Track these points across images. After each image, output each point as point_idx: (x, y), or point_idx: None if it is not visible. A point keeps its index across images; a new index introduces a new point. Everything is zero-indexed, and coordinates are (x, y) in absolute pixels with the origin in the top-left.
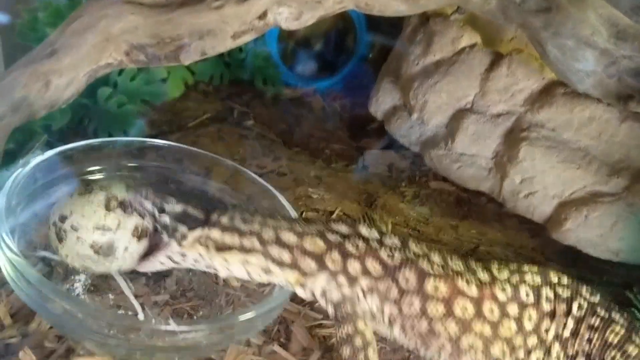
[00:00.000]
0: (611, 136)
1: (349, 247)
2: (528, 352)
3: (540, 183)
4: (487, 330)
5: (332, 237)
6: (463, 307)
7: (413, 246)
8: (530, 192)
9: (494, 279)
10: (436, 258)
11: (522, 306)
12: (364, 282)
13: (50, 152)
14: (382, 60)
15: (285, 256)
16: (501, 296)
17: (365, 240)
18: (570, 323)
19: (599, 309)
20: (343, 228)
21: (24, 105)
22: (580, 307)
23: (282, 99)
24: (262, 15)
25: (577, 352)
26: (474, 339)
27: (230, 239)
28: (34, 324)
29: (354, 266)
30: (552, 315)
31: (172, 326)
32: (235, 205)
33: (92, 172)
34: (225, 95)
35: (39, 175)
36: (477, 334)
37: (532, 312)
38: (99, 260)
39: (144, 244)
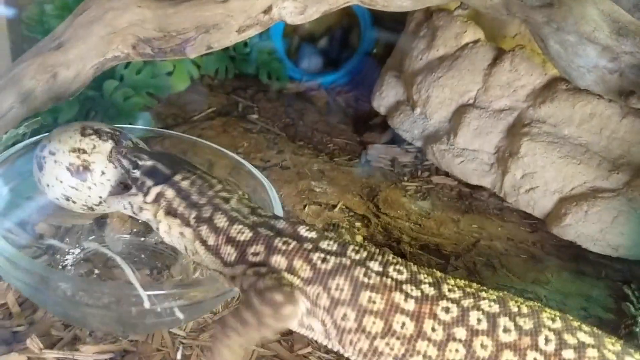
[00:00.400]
0: (612, 132)
1: (278, 242)
2: None
3: (541, 178)
4: (432, 352)
5: (263, 230)
6: (402, 324)
7: (351, 253)
8: (531, 187)
9: (439, 297)
10: (375, 266)
11: (473, 333)
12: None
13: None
14: (386, 55)
15: (211, 239)
16: (444, 316)
17: (300, 240)
18: (540, 358)
19: (567, 337)
20: (281, 224)
21: (32, 96)
22: (547, 340)
23: (286, 93)
24: (267, 10)
25: None
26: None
27: (177, 204)
28: (40, 312)
29: (277, 260)
30: (514, 348)
31: (177, 314)
32: (203, 172)
33: None
34: (230, 89)
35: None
36: (423, 355)
37: (487, 340)
38: (78, 186)
39: (119, 171)
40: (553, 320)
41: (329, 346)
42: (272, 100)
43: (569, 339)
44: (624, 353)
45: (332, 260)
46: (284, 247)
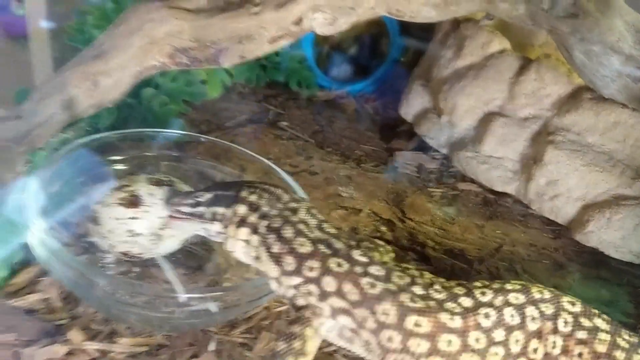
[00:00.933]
0: (636, 140)
1: (332, 263)
2: None
3: (565, 185)
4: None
5: (322, 247)
6: (448, 342)
7: (396, 279)
8: (555, 194)
9: (477, 305)
10: (418, 290)
11: (509, 330)
12: (336, 302)
13: (90, 137)
14: (414, 64)
15: (276, 248)
16: (485, 323)
17: (352, 263)
18: (559, 341)
19: (583, 320)
20: (339, 244)
21: (74, 103)
22: (565, 322)
23: (315, 101)
24: (298, 21)
25: None
26: None
27: (249, 216)
28: (81, 307)
29: (329, 282)
30: (539, 334)
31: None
32: (261, 183)
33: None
34: (261, 96)
35: (77, 161)
36: None
37: (519, 334)
38: (137, 214)
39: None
40: (573, 304)
41: (370, 358)
42: (301, 107)
43: (584, 321)
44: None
45: (380, 285)
46: (336, 269)
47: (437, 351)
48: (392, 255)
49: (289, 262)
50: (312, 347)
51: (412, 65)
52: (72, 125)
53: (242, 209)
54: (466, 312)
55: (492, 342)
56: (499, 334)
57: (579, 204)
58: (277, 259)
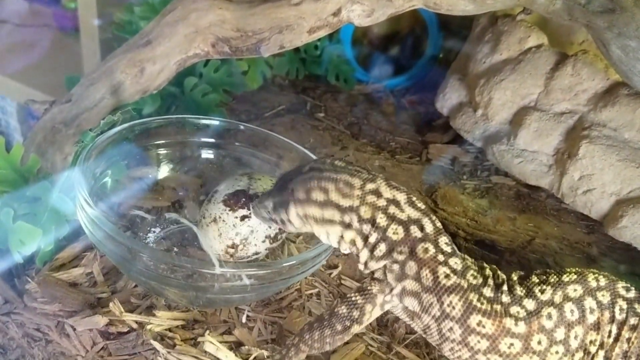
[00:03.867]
0: None
1: (419, 249)
2: None
3: (599, 180)
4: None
5: (414, 231)
6: (510, 345)
7: (470, 277)
8: (589, 188)
9: (539, 306)
10: (488, 292)
11: (569, 326)
12: (409, 285)
13: (134, 122)
14: (452, 60)
15: (373, 238)
16: (548, 324)
17: (437, 250)
18: (614, 329)
19: (637, 306)
20: (430, 227)
21: (121, 89)
22: (621, 309)
23: (353, 94)
24: (337, 12)
25: (617, 355)
26: None
27: (330, 214)
28: (121, 282)
29: (411, 267)
30: (597, 326)
31: (245, 281)
32: (322, 173)
33: (173, 144)
34: (299, 88)
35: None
36: None
37: (579, 329)
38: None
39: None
40: (627, 290)
41: (428, 339)
42: (338, 100)
43: (638, 307)
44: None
45: (454, 279)
46: (421, 256)
47: (497, 351)
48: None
49: (381, 249)
50: (368, 319)
51: (450, 62)
52: (118, 109)
53: (307, 211)
54: (530, 317)
55: (553, 342)
56: (560, 333)
57: (613, 199)
58: (371, 247)
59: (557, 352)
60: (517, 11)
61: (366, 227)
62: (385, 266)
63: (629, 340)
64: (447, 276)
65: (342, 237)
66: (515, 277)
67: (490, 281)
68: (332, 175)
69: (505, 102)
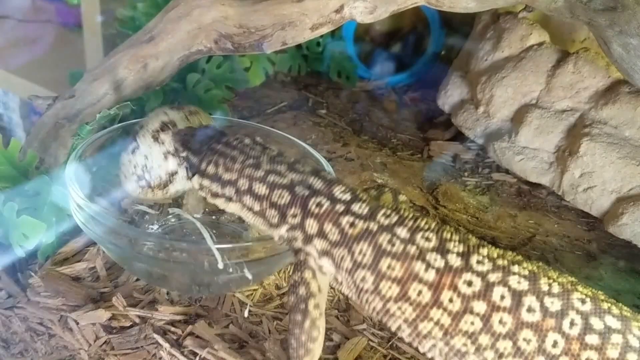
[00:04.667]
0: None
1: (312, 204)
2: (499, 355)
3: (600, 178)
4: (445, 320)
5: (300, 190)
6: (418, 292)
7: (381, 217)
8: (589, 186)
9: (465, 268)
10: (402, 232)
11: (493, 307)
12: (319, 243)
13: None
14: (454, 57)
15: (256, 207)
16: (464, 289)
17: (333, 201)
18: (561, 342)
19: (594, 322)
20: (318, 183)
21: (124, 84)
22: (572, 323)
23: (355, 91)
24: (339, 9)
25: None
26: (432, 326)
27: (216, 187)
28: (123, 276)
29: (311, 225)
30: (536, 327)
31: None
32: (225, 148)
33: None
34: (301, 85)
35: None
36: (435, 322)
37: (506, 317)
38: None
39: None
40: (583, 302)
41: (352, 298)
42: (340, 97)
43: (595, 323)
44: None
45: (360, 224)
46: (316, 210)
47: (407, 298)
48: (403, 197)
49: (273, 214)
50: (316, 286)
51: (452, 59)
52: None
53: (205, 182)
54: (446, 270)
55: (468, 310)
56: (479, 306)
57: (614, 196)
58: (261, 214)
59: (472, 324)
60: (519, 9)
61: (246, 198)
62: (287, 234)
63: None
64: (352, 224)
65: (235, 210)
66: (473, 240)
67: (409, 222)
68: (226, 151)
69: (507, 99)
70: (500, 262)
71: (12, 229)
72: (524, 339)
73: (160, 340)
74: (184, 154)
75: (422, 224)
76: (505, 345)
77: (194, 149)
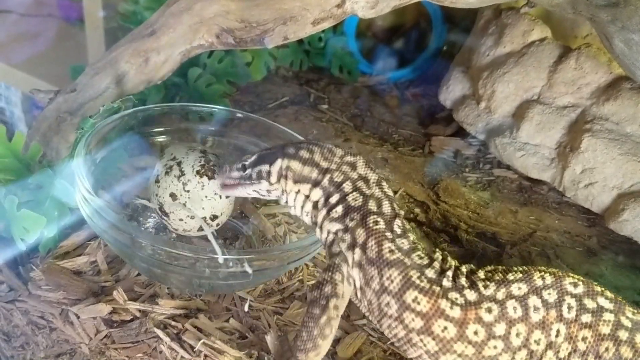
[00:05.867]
0: None
1: (371, 219)
2: None
3: (601, 174)
4: (469, 350)
5: (372, 205)
6: (443, 328)
7: (415, 257)
8: (590, 182)
9: (480, 298)
10: (430, 273)
11: (510, 323)
12: (357, 255)
13: (135, 109)
14: (456, 52)
15: (334, 199)
16: (487, 317)
17: (389, 227)
18: (563, 329)
19: (587, 302)
20: (387, 208)
21: (126, 79)
22: (569, 307)
23: (356, 86)
24: (341, 4)
25: (570, 354)
26: (455, 358)
27: (308, 172)
28: (124, 270)
29: (360, 234)
30: (542, 325)
31: (247, 269)
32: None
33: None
34: (303, 80)
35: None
36: (458, 354)
37: (521, 327)
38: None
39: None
40: (575, 285)
41: (370, 319)
42: (342, 92)
43: (588, 303)
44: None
45: (397, 254)
46: (371, 225)
47: (430, 332)
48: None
49: (337, 211)
50: (341, 289)
51: (453, 55)
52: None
53: (294, 164)
54: (468, 305)
55: (491, 336)
56: (499, 329)
57: (615, 192)
58: (329, 207)
59: (495, 347)
60: (521, 4)
61: (332, 189)
62: (337, 233)
63: (584, 339)
64: (391, 251)
65: (308, 196)
66: (464, 270)
67: (437, 264)
68: (320, 144)
69: (508, 95)
70: (497, 277)
71: (12, 222)
72: (535, 341)
73: (161, 334)
74: (254, 172)
75: (446, 267)
76: (521, 356)
77: (264, 156)
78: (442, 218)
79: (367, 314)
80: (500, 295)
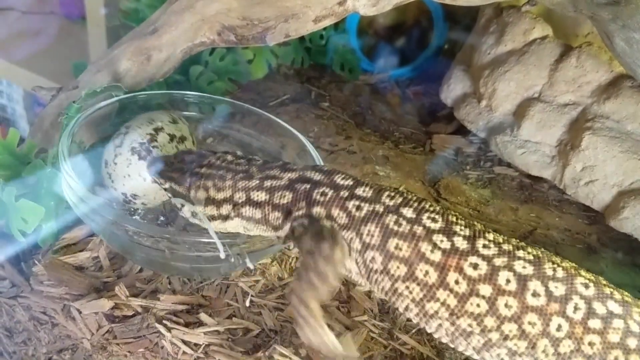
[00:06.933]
0: None
1: (316, 194)
2: (504, 337)
3: (601, 172)
4: (452, 301)
5: (301, 186)
6: (425, 272)
7: (386, 199)
8: (591, 180)
9: (471, 251)
10: (408, 213)
11: (498, 291)
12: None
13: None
14: (457, 51)
15: (258, 214)
16: (470, 272)
17: (337, 188)
18: (565, 326)
19: (596, 306)
20: (317, 176)
21: (128, 76)
22: (576, 308)
23: (357, 84)
24: (342, 1)
25: (572, 352)
26: (438, 306)
27: (211, 210)
28: (126, 267)
29: (317, 211)
30: (539, 311)
31: (249, 263)
32: (209, 170)
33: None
34: (304, 78)
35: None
36: (441, 303)
37: (511, 300)
38: None
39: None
40: (586, 286)
41: (362, 284)
42: (343, 90)
43: (598, 307)
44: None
45: (366, 207)
46: (321, 199)
47: (414, 278)
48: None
49: (277, 217)
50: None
51: (455, 53)
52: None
53: (198, 208)
54: (452, 252)
55: (474, 293)
56: (484, 289)
57: (615, 190)
58: (264, 220)
59: (478, 306)
60: (522, 2)
61: (245, 210)
62: (293, 228)
63: (591, 344)
64: (358, 207)
65: (234, 227)
66: (478, 226)
67: (414, 203)
68: (212, 173)
69: (509, 93)
70: (505, 246)
71: (11, 214)
72: (529, 322)
73: (163, 330)
74: (166, 186)
75: (427, 205)
76: (510, 328)
77: (176, 178)
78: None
79: (359, 281)
80: (497, 261)
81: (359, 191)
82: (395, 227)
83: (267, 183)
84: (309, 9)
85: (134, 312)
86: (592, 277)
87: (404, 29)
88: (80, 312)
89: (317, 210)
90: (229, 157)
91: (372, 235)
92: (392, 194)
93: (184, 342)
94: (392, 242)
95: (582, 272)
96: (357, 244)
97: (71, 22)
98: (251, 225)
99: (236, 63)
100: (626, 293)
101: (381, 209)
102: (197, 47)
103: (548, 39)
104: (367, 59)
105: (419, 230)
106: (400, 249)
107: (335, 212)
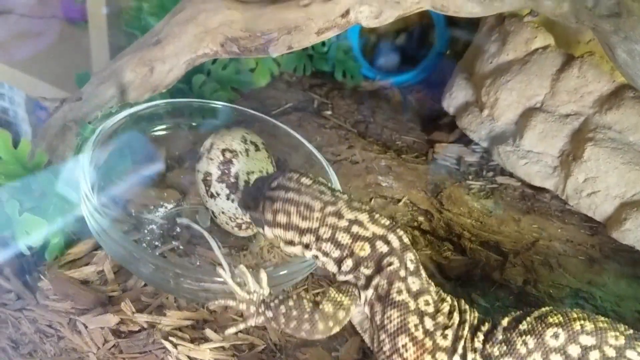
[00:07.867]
0: None
1: (385, 262)
2: None
3: (603, 183)
4: None
5: (380, 246)
6: None
7: (422, 302)
8: (593, 191)
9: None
10: (429, 324)
11: None
12: (369, 294)
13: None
14: (459, 57)
15: (335, 254)
16: None
17: (401, 264)
18: None
19: (571, 350)
20: (396, 243)
21: (131, 87)
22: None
23: (360, 91)
24: (345, 14)
25: None
26: None
27: (291, 236)
28: (132, 280)
29: (374, 279)
30: None
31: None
32: (287, 193)
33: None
34: (307, 86)
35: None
36: None
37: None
38: None
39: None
40: (556, 336)
41: (371, 347)
42: (345, 97)
43: (571, 350)
44: (628, 347)
45: (404, 296)
46: (388, 269)
47: None
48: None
49: (348, 265)
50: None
51: (457, 59)
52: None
53: (278, 232)
54: None
55: None
56: None
57: (617, 201)
58: (338, 262)
59: None
60: (525, 12)
61: (326, 246)
62: (355, 277)
63: None
64: (399, 292)
65: (308, 255)
66: (504, 322)
67: (440, 317)
68: (294, 198)
69: (511, 102)
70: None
71: (15, 227)
72: None
73: (169, 346)
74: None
75: (448, 322)
76: None
77: (249, 203)
78: (446, 226)
79: (368, 342)
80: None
81: (410, 280)
82: (412, 330)
83: (354, 229)
84: (312, 22)
85: (140, 328)
86: (560, 319)
87: (406, 35)
88: (86, 327)
89: (379, 280)
90: (305, 180)
91: (391, 321)
92: (430, 300)
93: (190, 359)
94: (402, 340)
95: (550, 319)
96: (378, 319)
97: (73, 26)
98: (325, 259)
99: (239, 71)
100: (602, 318)
101: (412, 307)
102: (200, 58)
103: (550, 49)
104: (369, 65)
105: (429, 343)
106: (407, 350)
107: (382, 282)
